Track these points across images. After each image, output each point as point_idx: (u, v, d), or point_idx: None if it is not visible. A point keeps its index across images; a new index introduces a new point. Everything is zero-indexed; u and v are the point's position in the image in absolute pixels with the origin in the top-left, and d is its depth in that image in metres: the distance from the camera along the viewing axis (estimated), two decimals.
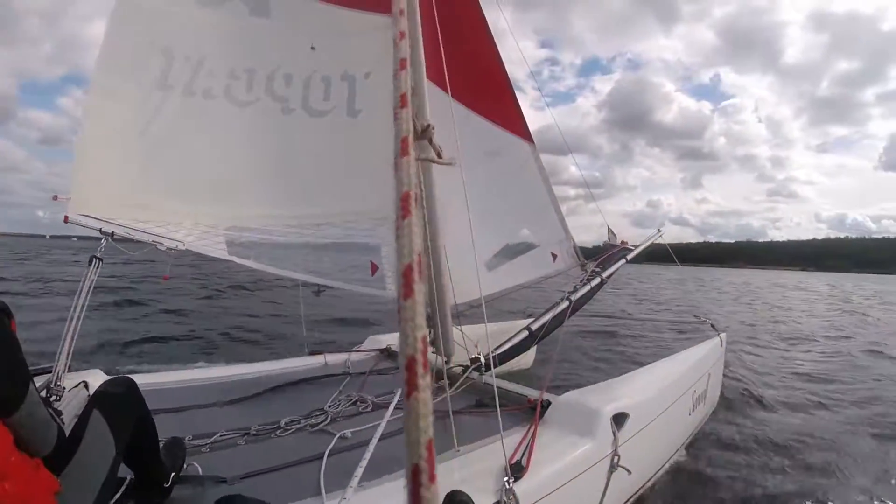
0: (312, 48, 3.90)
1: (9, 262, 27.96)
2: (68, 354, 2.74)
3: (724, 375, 6.17)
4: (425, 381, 0.46)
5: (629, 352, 9.63)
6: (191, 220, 3.63)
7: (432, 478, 0.43)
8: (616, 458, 2.98)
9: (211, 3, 3.66)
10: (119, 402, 1.89)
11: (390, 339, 5.18)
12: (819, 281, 72.11)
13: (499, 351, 4.39)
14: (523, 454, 2.65)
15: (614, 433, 3.04)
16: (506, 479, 2.37)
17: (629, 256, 5.67)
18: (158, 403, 3.00)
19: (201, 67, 3.62)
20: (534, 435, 2.87)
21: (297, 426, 3.10)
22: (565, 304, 4.86)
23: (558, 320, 4.79)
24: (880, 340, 13.15)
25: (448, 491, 2.16)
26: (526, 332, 4.66)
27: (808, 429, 5.57)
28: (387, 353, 4.96)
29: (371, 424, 2.81)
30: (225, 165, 3.78)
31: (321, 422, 3.17)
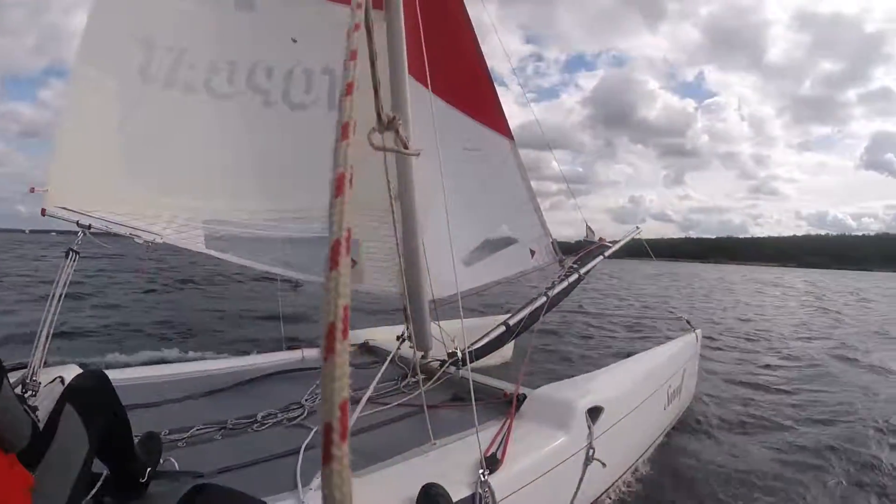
0: (294, 41, 3.89)
1: None
2: (44, 349, 2.71)
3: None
4: (342, 346, 0.49)
5: (566, 350, 9.28)
6: (169, 213, 3.61)
7: (343, 436, 0.46)
8: (591, 451, 3.00)
9: None
10: (91, 395, 1.88)
11: (368, 335, 5.17)
12: (797, 277, 70.77)
13: (476, 346, 4.42)
14: (499, 447, 2.67)
15: (589, 426, 3.07)
16: (481, 471, 2.39)
17: (607, 253, 5.72)
18: (134, 399, 2.99)
19: (182, 59, 3.59)
20: (509, 428, 2.89)
21: (274, 420, 3.09)
22: (542, 299, 4.91)
23: (535, 316, 4.83)
24: (850, 343, 12.26)
25: (424, 483, 2.18)
26: (503, 328, 4.68)
27: (748, 462, 4.72)
28: (365, 347, 4.96)
29: (354, 418, 2.81)
30: (204, 158, 3.76)
31: (298, 416, 3.16)
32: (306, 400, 3.38)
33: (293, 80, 3.94)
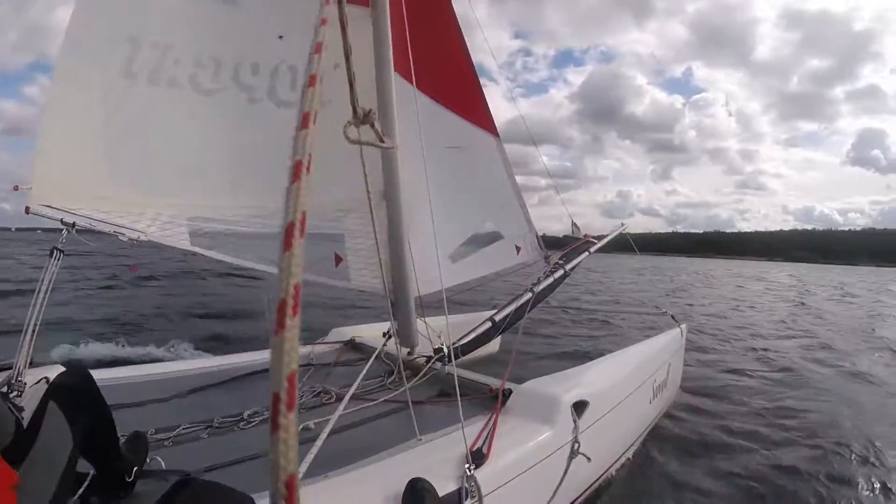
0: (280, 37, 3.87)
1: None
2: (29, 349, 2.69)
3: None
4: (292, 322, 0.52)
5: (550, 345, 9.14)
6: (154, 211, 3.58)
7: (290, 406, 0.49)
8: (576, 444, 3.02)
9: None
10: (75, 392, 1.87)
11: (354, 332, 5.18)
12: (783, 272, 70.51)
13: (462, 342, 4.45)
14: (484, 442, 2.68)
15: (574, 421, 3.08)
16: (467, 466, 2.40)
17: (592, 249, 5.76)
18: (119, 398, 2.97)
19: (167, 55, 3.56)
20: (495, 423, 2.90)
21: (261, 418, 3.08)
22: (528, 295, 4.94)
23: (521, 311, 4.87)
24: (832, 343, 11.34)
25: (410, 478, 2.19)
26: (489, 323, 4.73)
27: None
28: (351, 345, 4.97)
29: (339, 414, 2.81)
30: (189, 155, 3.73)
31: None
32: None
33: (279, 77, 3.92)
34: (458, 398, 2.71)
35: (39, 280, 2.88)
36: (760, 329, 13.21)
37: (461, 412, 2.63)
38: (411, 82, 3.52)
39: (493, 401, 3.27)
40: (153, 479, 2.30)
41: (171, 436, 2.77)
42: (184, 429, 2.85)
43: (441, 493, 2.22)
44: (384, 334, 4.39)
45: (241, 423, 3.01)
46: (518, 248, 5.40)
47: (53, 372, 2.87)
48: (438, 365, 4.01)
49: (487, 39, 5.57)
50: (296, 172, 0.64)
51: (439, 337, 4.10)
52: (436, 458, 2.55)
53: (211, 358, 4.38)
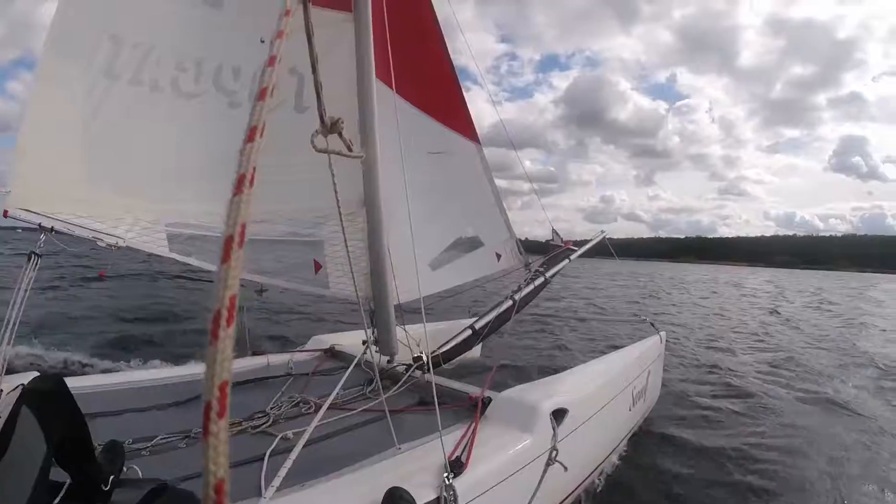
0: (262, 41, 3.85)
1: None
2: (4, 358, 2.65)
3: None
4: (225, 333, 0.53)
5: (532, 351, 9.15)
6: (132, 216, 3.55)
7: (221, 414, 0.51)
8: (554, 452, 3.02)
9: None
10: (48, 398, 1.84)
11: (334, 340, 5.15)
12: (761, 277, 70.67)
13: (442, 350, 4.46)
14: (463, 450, 2.69)
15: (553, 428, 3.10)
16: (445, 475, 2.40)
17: (573, 257, 5.80)
18: (97, 407, 2.96)
19: (149, 56, 3.52)
20: (474, 431, 2.91)
21: (239, 428, 3.05)
22: (509, 303, 4.96)
23: (502, 319, 4.88)
24: (805, 362, 9.95)
25: (388, 487, 2.19)
26: (470, 331, 4.74)
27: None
28: (330, 353, 4.94)
29: (315, 424, 2.80)
30: (169, 160, 3.69)
31: (263, 423, 3.13)
32: (271, 408, 3.35)
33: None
34: (437, 407, 2.71)
35: (16, 286, 2.84)
36: (728, 343, 11.98)
37: (439, 421, 2.62)
38: (392, 88, 3.52)
39: (472, 409, 3.28)
40: (130, 489, 2.27)
41: (149, 445, 2.73)
42: (161, 438, 2.81)
43: (419, 502, 2.21)
44: (364, 342, 4.38)
45: None
46: (499, 256, 5.42)
47: (27, 379, 2.84)
48: (418, 373, 4.00)
49: (470, 45, 5.60)
50: (238, 186, 0.66)
51: (418, 345, 4.09)
52: (414, 466, 2.54)
53: (190, 366, 4.32)
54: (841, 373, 9.30)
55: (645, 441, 5.16)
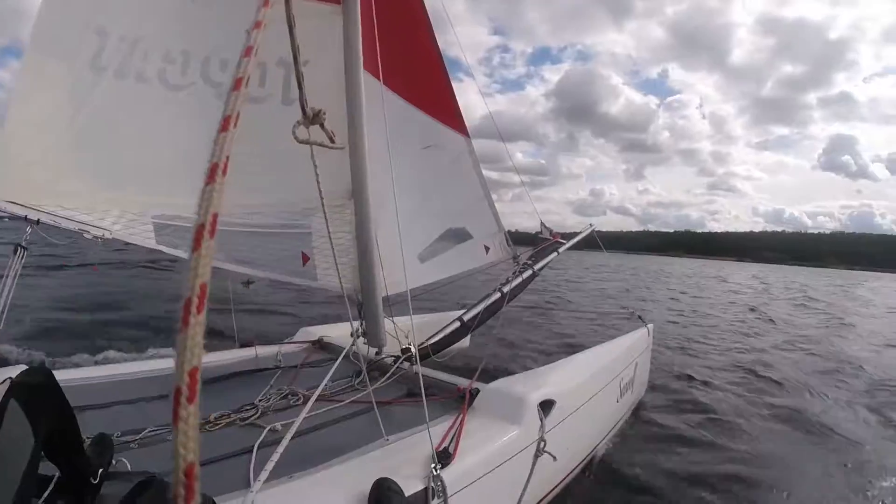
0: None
1: None
2: None
3: None
4: (195, 320, 0.54)
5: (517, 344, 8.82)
6: (119, 208, 3.54)
7: (191, 399, 0.52)
8: (542, 443, 3.04)
9: None
10: (36, 391, 1.82)
11: (322, 331, 5.13)
12: (748, 272, 69.13)
13: (431, 342, 4.47)
14: (451, 441, 2.69)
15: (541, 420, 3.11)
16: (433, 466, 2.41)
17: (561, 249, 5.84)
18: (85, 400, 2.95)
19: (136, 49, 3.51)
20: (461, 423, 2.92)
21: (227, 420, 3.04)
22: (497, 295, 4.98)
23: (490, 311, 4.90)
24: (784, 371, 8.55)
25: (376, 478, 2.19)
26: (458, 323, 4.76)
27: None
28: (319, 344, 4.92)
29: (304, 416, 2.79)
30: (155, 151, 3.67)
31: (251, 416, 3.12)
32: (260, 400, 3.34)
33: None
34: (424, 398, 2.71)
35: (2, 279, 2.83)
36: (701, 346, 10.56)
37: (427, 412, 2.64)
38: (380, 79, 3.53)
39: (460, 401, 3.29)
40: (119, 481, 2.26)
41: (137, 438, 2.71)
42: (150, 431, 2.78)
43: (407, 493, 2.22)
44: (352, 334, 4.39)
45: (208, 426, 2.95)
46: (487, 248, 5.45)
47: (15, 372, 2.83)
48: (406, 365, 4.00)
49: (460, 37, 5.58)
50: (210, 175, 0.66)
51: (407, 337, 4.10)
52: (402, 458, 2.55)
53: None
54: (822, 383, 8.10)
55: (633, 432, 5.21)
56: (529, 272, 5.34)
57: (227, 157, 0.68)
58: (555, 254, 5.75)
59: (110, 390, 3.38)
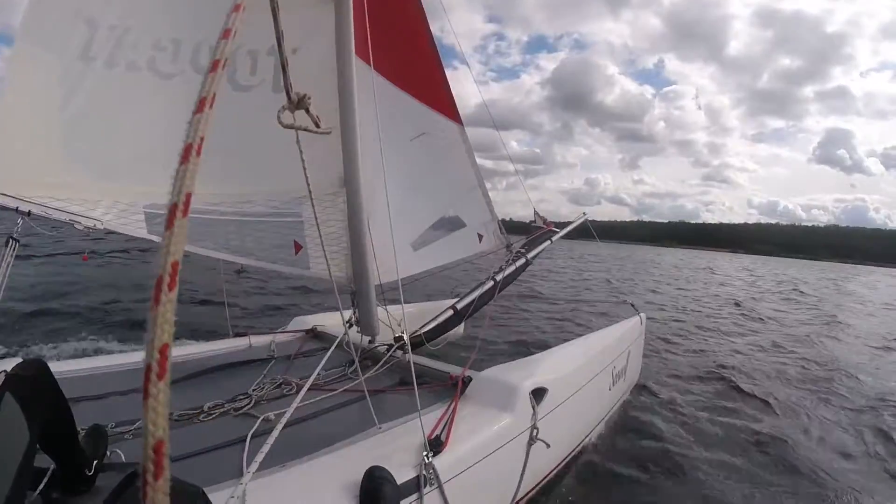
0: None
1: None
2: None
3: None
4: (167, 297, 0.55)
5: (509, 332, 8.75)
6: (110, 198, 3.52)
7: (160, 376, 0.54)
8: (535, 431, 3.06)
9: None
10: (31, 384, 1.81)
11: (316, 320, 5.14)
12: (738, 263, 68.68)
13: (424, 330, 4.48)
14: (443, 429, 2.71)
15: (533, 407, 3.13)
16: (425, 453, 2.42)
17: (554, 238, 5.85)
18: (79, 391, 2.95)
19: (125, 38, 3.48)
20: (454, 410, 2.94)
21: (221, 410, 3.05)
22: (490, 283, 4.99)
23: (484, 299, 4.91)
24: (770, 388, 7.01)
25: (368, 466, 2.20)
26: (451, 311, 4.77)
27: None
28: (312, 333, 4.94)
29: (296, 405, 2.80)
30: (146, 141, 3.64)
31: (245, 405, 3.13)
32: (253, 390, 3.35)
33: (238, 62, 3.85)
34: (416, 387, 2.73)
35: None
36: (672, 345, 9.44)
37: (418, 400, 2.65)
38: (370, 65, 3.51)
39: (453, 389, 3.31)
40: (114, 473, 2.25)
41: (131, 429, 2.71)
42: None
43: (399, 481, 2.23)
44: (344, 323, 4.39)
45: (202, 416, 2.97)
46: (480, 237, 5.44)
47: (10, 365, 2.81)
48: (399, 353, 4.01)
49: (454, 25, 5.56)
50: (185, 155, 0.67)
51: (400, 325, 4.11)
52: (395, 446, 2.57)
53: (172, 348, 4.28)
54: (808, 398, 6.71)
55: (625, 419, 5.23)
56: (522, 260, 5.35)
57: (202, 138, 0.68)
58: (548, 242, 5.76)
59: (104, 381, 3.38)
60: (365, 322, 4.13)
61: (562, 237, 6.00)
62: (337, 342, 3.79)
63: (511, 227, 5.84)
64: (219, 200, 3.86)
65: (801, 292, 26.19)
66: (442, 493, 2.39)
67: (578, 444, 4.10)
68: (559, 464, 3.73)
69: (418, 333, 4.36)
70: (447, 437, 2.64)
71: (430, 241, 5.11)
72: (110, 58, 3.45)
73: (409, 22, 4.79)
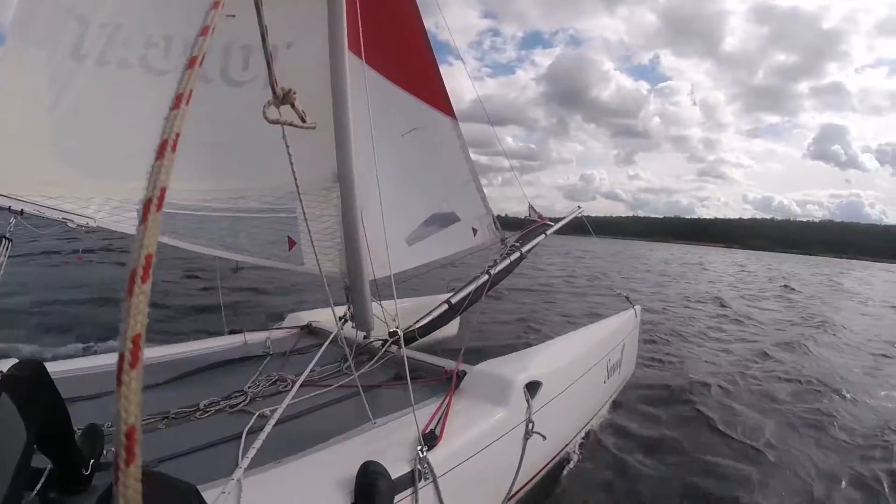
0: (232, 16, 3.80)
1: None
2: None
3: None
4: (140, 289, 0.56)
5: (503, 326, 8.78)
6: (102, 195, 3.51)
7: (133, 365, 0.54)
8: (530, 424, 3.07)
9: None
10: (28, 385, 1.82)
11: (311, 316, 5.15)
12: (732, 258, 68.07)
13: (418, 325, 4.48)
14: (437, 424, 2.72)
15: (528, 401, 3.13)
16: (419, 448, 2.43)
17: (548, 232, 5.85)
18: (75, 391, 2.93)
19: (117, 35, 3.47)
20: (448, 405, 2.94)
21: (217, 408, 3.06)
22: (485, 277, 4.98)
23: (478, 294, 4.91)
24: (727, 391, 6.36)
25: (362, 462, 2.20)
26: (446, 306, 4.77)
27: None
28: (307, 329, 4.94)
29: (291, 402, 2.82)
30: (139, 137, 3.59)
31: (241, 402, 3.13)
32: (249, 387, 3.35)
33: (231, 57, 3.84)
34: (409, 381, 2.75)
35: None
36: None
37: (412, 395, 2.67)
38: (362, 58, 3.51)
39: (447, 383, 3.32)
40: (110, 472, 2.25)
41: None
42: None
43: (394, 476, 2.23)
44: (337, 319, 4.39)
45: (198, 413, 2.97)
46: (475, 231, 5.45)
47: (6, 366, 2.81)
48: (394, 348, 4.01)
49: (448, 20, 5.55)
50: (160, 151, 0.68)
51: (394, 320, 4.11)
52: (389, 441, 2.58)
53: (167, 346, 4.27)
54: (793, 432, 5.40)
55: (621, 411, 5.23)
56: (517, 255, 5.35)
57: (178, 134, 0.70)
58: (542, 236, 5.76)
59: (100, 381, 3.36)
60: (359, 317, 4.12)
61: (556, 231, 6.00)
62: (331, 338, 3.79)
63: (506, 224, 5.85)
64: (212, 196, 3.86)
65: (790, 288, 24.73)
66: (436, 487, 2.39)
67: (574, 437, 4.12)
68: (553, 457, 3.74)
69: (412, 328, 4.36)
70: (442, 432, 2.64)
71: (424, 235, 5.10)
72: (101, 55, 3.44)
73: (402, 17, 4.78)
